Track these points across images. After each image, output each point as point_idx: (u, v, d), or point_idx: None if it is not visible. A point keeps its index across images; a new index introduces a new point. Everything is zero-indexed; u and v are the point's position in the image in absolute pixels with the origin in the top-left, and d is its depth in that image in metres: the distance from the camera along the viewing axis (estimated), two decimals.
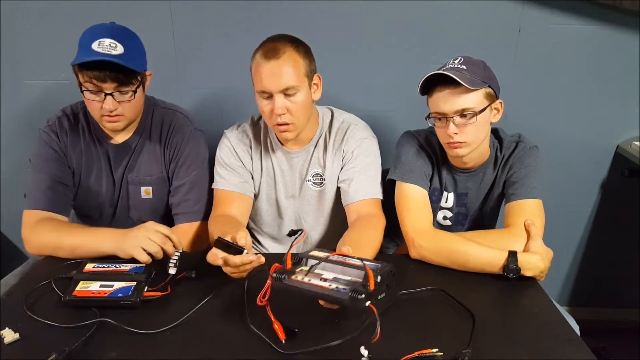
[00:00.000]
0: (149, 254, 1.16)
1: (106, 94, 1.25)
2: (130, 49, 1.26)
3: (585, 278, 2.15)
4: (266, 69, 1.23)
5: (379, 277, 0.88)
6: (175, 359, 0.92)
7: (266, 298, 0.94)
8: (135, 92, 1.28)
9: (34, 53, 1.74)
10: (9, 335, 0.95)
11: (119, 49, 1.23)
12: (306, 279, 0.91)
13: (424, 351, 0.88)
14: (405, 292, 1.09)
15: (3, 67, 1.75)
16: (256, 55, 1.27)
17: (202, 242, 1.38)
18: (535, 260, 1.15)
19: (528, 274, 1.15)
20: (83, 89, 1.25)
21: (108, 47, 1.22)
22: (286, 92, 1.25)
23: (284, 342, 0.92)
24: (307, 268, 0.95)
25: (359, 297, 0.83)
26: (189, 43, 1.74)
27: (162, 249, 1.17)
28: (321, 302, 0.96)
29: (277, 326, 0.94)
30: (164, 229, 1.19)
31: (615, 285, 2.14)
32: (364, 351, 0.84)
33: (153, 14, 1.69)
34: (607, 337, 1.94)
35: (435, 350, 0.89)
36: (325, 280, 0.90)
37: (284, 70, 1.23)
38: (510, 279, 1.14)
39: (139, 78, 1.29)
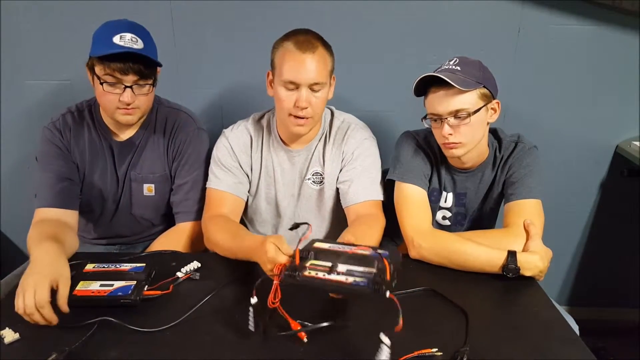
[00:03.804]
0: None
1: (126, 87, 1.26)
2: (148, 44, 1.29)
3: (584, 278, 2.15)
4: (299, 61, 1.24)
5: (392, 266, 0.88)
6: (175, 358, 0.92)
7: (277, 300, 0.92)
8: (152, 85, 1.31)
9: (35, 53, 1.74)
10: (9, 335, 0.95)
11: (140, 44, 1.26)
12: (321, 274, 0.89)
13: (423, 351, 0.89)
14: (402, 293, 1.09)
15: (4, 67, 1.75)
16: (285, 44, 1.27)
17: (201, 241, 1.38)
18: (535, 260, 1.15)
19: (527, 273, 1.15)
20: (101, 81, 1.25)
21: (130, 41, 1.24)
22: (313, 87, 1.26)
23: (305, 340, 0.92)
24: (316, 262, 0.93)
25: (381, 289, 0.84)
26: (189, 43, 1.74)
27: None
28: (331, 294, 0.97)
29: (296, 327, 0.92)
30: (45, 292, 0.97)
31: (615, 285, 2.14)
32: (385, 339, 0.80)
33: (153, 14, 1.69)
34: (607, 337, 1.94)
35: (434, 349, 0.89)
36: (339, 273, 0.89)
37: (317, 65, 1.25)
38: (509, 278, 1.14)
39: (155, 72, 1.31)
